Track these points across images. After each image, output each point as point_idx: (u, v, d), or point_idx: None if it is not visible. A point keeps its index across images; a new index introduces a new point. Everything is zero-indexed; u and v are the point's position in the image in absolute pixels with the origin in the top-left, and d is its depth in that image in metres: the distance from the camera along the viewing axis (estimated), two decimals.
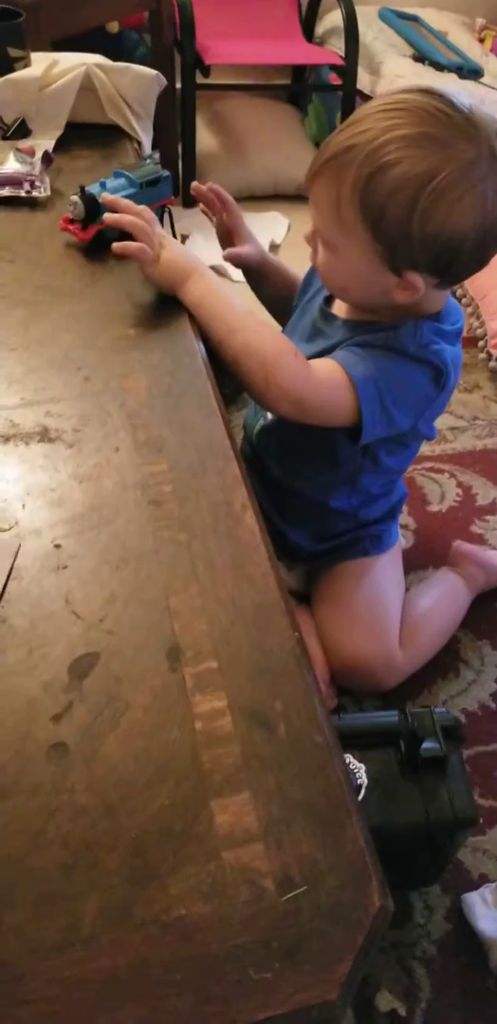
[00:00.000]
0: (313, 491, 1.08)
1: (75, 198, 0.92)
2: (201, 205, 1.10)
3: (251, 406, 1.16)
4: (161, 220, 1.04)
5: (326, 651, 1.12)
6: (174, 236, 1.02)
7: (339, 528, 1.13)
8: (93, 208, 0.92)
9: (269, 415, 1.08)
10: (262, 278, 1.13)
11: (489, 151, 0.78)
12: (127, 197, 0.94)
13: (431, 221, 0.79)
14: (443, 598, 1.24)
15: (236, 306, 0.88)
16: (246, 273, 1.13)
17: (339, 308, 1.00)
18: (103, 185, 0.95)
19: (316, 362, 0.89)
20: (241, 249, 1.09)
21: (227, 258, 1.08)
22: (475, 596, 1.28)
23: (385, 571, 1.16)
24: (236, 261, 1.09)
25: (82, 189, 0.92)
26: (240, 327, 0.86)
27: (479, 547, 1.34)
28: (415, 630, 1.16)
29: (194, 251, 2.22)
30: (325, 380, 0.88)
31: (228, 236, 1.10)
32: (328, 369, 0.88)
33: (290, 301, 1.12)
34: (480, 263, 0.86)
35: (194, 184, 1.07)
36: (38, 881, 0.44)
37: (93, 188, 0.93)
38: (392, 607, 1.15)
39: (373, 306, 0.92)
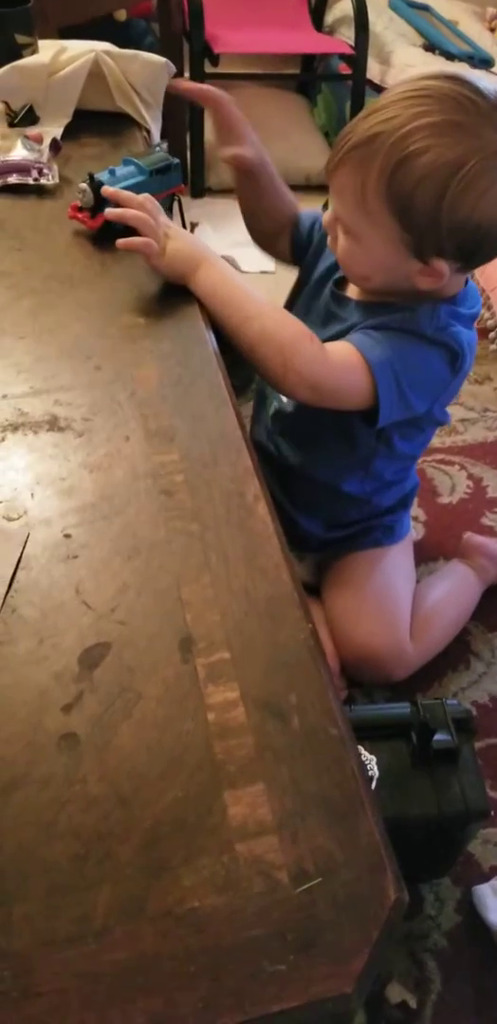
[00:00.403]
0: (326, 476, 1.07)
1: (83, 185, 0.91)
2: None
3: (260, 393, 1.15)
4: (170, 209, 1.03)
5: (336, 642, 1.12)
6: (183, 225, 1.01)
7: (352, 516, 1.12)
8: (102, 196, 0.91)
9: (284, 398, 1.07)
10: (255, 185, 1.07)
11: None
12: (136, 185, 0.93)
13: (460, 209, 0.78)
14: (454, 590, 1.23)
15: (250, 293, 0.87)
16: (239, 177, 1.07)
17: (352, 290, 0.98)
18: (112, 173, 0.94)
19: (332, 345, 0.88)
20: (237, 148, 1.03)
21: (224, 159, 1.04)
22: (486, 588, 1.27)
23: (396, 562, 1.15)
24: (232, 162, 1.04)
25: (91, 176, 0.91)
26: (256, 314, 0.85)
27: (490, 539, 1.33)
28: (426, 622, 1.15)
29: (203, 240, 2.19)
30: (342, 364, 0.87)
31: (227, 132, 1.04)
32: (344, 352, 0.88)
33: (276, 222, 1.08)
34: None
35: (175, 81, 1.04)
36: (50, 872, 0.44)
37: (102, 175, 0.92)
38: (403, 598, 1.15)
39: (393, 291, 0.91)
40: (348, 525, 1.13)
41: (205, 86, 1.05)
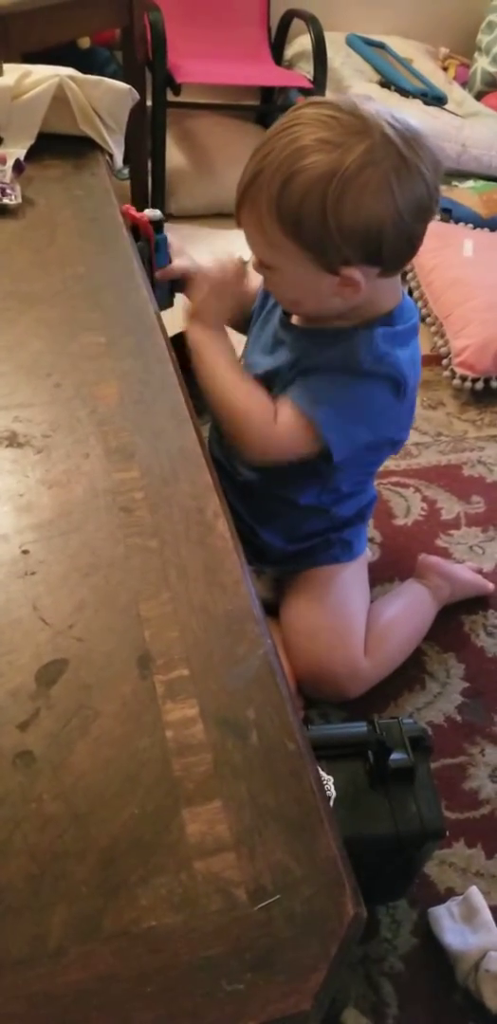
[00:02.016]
0: (283, 491, 1.09)
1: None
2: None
3: None
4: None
5: (292, 657, 1.12)
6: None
7: (312, 527, 1.14)
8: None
9: None
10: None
11: (382, 137, 0.83)
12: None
13: (344, 213, 0.84)
14: (409, 607, 1.25)
15: (223, 359, 0.98)
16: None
17: (297, 318, 1.03)
18: None
19: (280, 410, 0.96)
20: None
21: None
22: (441, 608, 1.29)
23: (352, 580, 1.17)
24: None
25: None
26: (220, 379, 0.97)
27: (444, 560, 1.36)
28: (380, 639, 1.17)
29: None
30: (288, 430, 0.95)
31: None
32: (289, 417, 0.95)
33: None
34: (411, 243, 0.90)
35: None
36: (3, 892, 0.43)
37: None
38: (358, 615, 1.16)
39: (328, 314, 0.96)
40: (308, 537, 1.15)
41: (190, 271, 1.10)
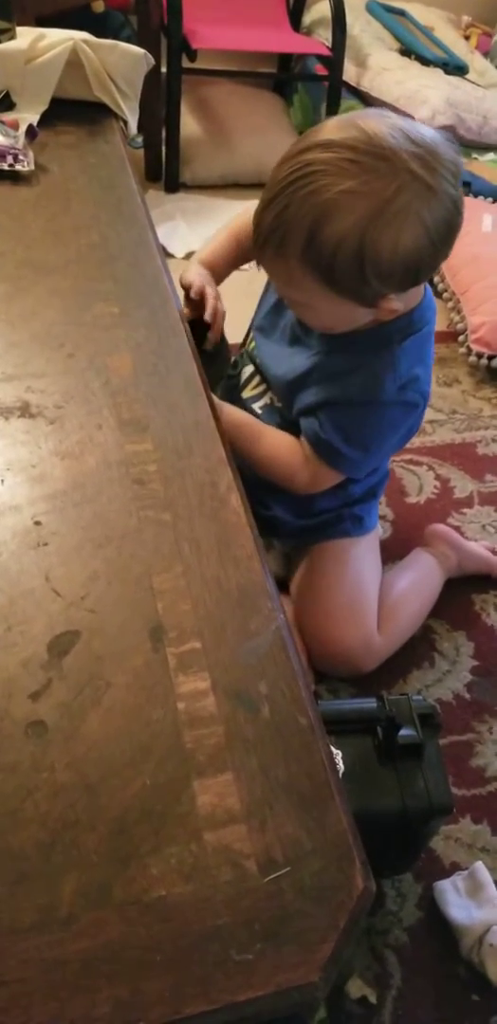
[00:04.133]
0: None
1: None
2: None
3: (230, 390, 1.15)
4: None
5: (305, 635, 1.12)
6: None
7: (326, 504, 1.14)
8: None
9: (254, 405, 1.09)
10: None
11: (407, 174, 0.78)
12: None
13: (381, 259, 0.80)
14: (418, 579, 1.25)
15: (263, 429, 1.04)
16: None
17: None
18: None
19: (312, 464, 1.01)
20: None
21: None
22: (448, 578, 1.29)
23: (365, 555, 1.17)
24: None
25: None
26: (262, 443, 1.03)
27: (452, 530, 1.36)
28: (392, 613, 1.17)
29: (176, 237, 2.19)
30: (321, 479, 1.03)
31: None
32: (320, 469, 1.02)
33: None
34: (445, 257, 0.87)
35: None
36: (15, 860, 0.43)
37: None
38: (371, 590, 1.16)
39: (360, 327, 0.95)
40: (320, 513, 1.15)
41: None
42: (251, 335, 1.13)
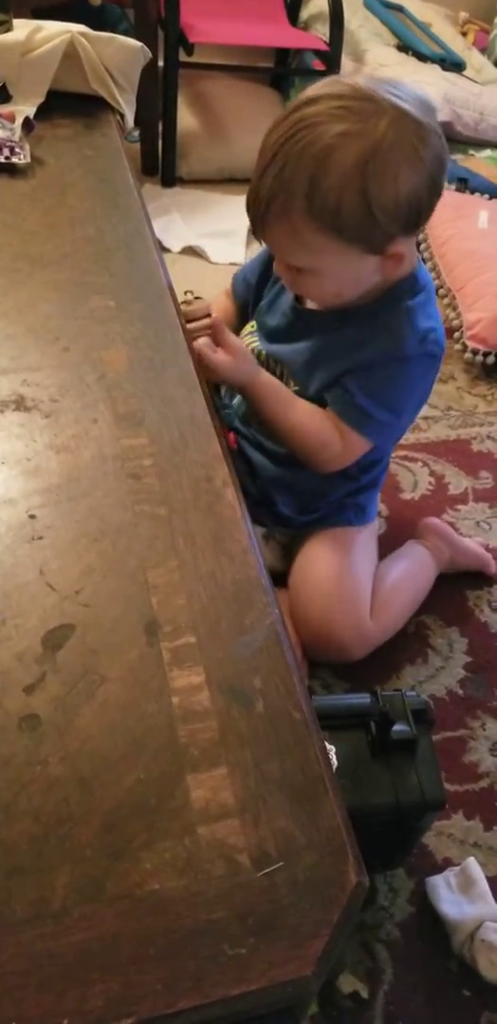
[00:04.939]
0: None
1: None
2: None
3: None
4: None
5: (298, 620, 1.12)
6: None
7: (332, 492, 1.14)
8: None
9: None
10: None
11: (395, 109, 0.82)
12: None
13: (385, 195, 0.83)
14: (411, 569, 1.26)
15: (293, 398, 1.02)
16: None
17: (313, 302, 1.03)
18: None
19: (342, 431, 1.00)
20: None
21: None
22: (440, 573, 1.29)
23: (363, 546, 1.18)
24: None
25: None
26: (294, 411, 1.01)
27: (446, 524, 1.36)
28: (385, 602, 1.17)
29: (173, 231, 2.17)
30: (352, 448, 1.02)
31: None
32: (351, 437, 1.01)
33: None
34: (438, 195, 0.90)
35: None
36: (8, 854, 0.43)
37: None
38: (366, 580, 1.17)
39: (364, 299, 0.96)
40: (324, 506, 1.15)
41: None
42: (252, 334, 1.12)
